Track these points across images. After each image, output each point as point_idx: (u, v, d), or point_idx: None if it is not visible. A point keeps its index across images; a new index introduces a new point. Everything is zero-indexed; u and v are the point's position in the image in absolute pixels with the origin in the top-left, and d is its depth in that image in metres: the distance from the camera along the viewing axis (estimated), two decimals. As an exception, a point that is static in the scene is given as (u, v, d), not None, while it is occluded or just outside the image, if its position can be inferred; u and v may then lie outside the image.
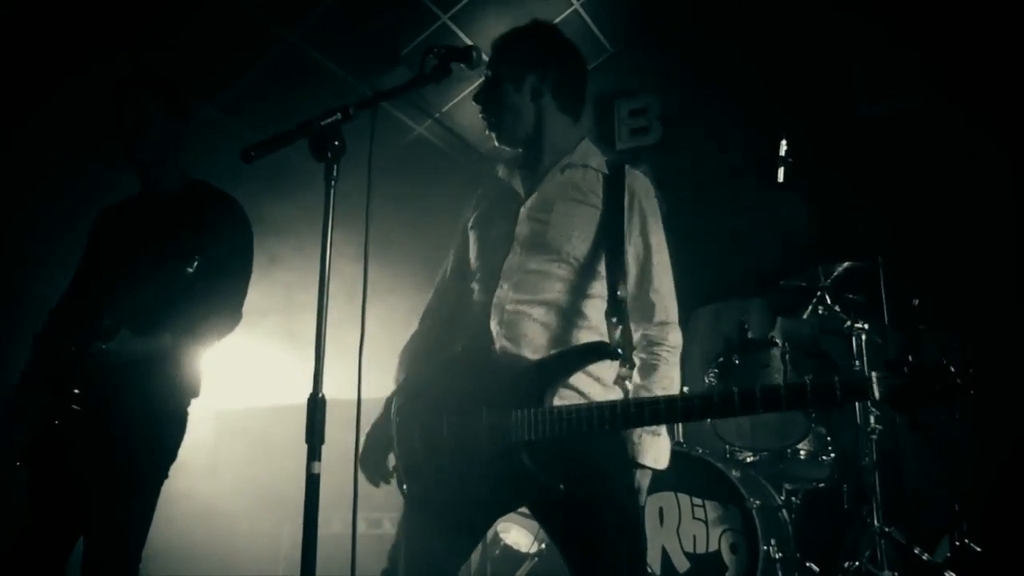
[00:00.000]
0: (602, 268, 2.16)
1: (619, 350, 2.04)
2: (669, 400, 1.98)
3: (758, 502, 3.49)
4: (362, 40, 4.93)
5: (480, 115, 2.32)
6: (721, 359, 4.02)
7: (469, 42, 5.00)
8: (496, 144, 2.35)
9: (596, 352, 2.07)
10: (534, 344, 2.11)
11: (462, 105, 5.68)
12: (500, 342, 2.13)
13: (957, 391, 1.70)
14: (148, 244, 2.78)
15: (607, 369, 2.13)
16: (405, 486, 2.14)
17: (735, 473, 3.59)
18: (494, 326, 2.15)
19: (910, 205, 4.48)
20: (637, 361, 2.21)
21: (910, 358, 1.74)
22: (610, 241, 2.17)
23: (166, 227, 2.81)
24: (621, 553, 2.01)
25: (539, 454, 1.96)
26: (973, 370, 1.68)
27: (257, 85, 4.94)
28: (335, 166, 1.73)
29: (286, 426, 4.79)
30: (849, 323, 3.85)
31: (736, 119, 5.32)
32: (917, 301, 3.47)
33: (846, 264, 4.05)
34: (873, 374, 1.75)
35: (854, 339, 3.83)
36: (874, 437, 3.67)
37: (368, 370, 1.79)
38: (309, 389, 1.66)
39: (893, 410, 1.77)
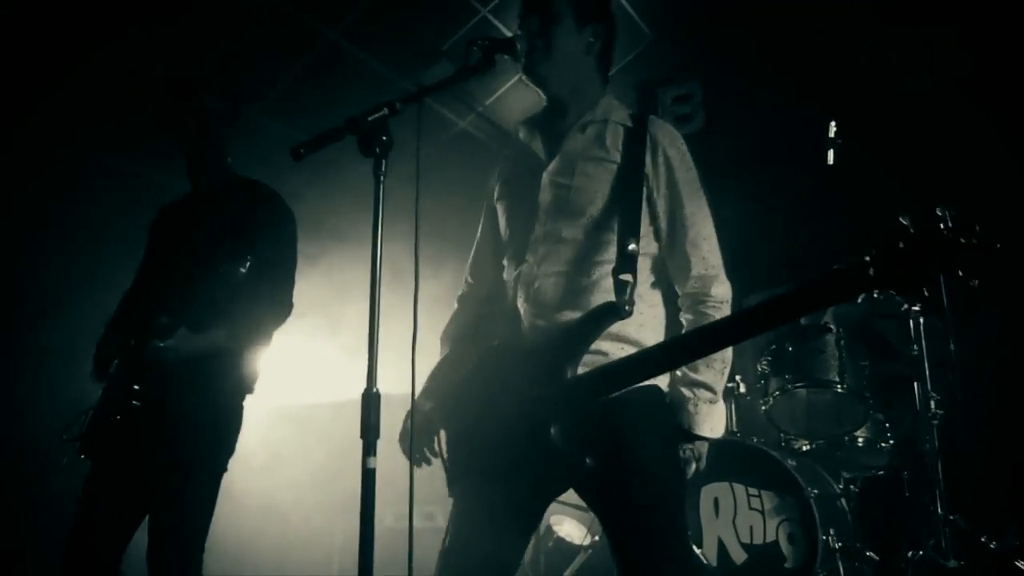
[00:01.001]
0: (614, 230, 2.07)
1: (626, 307, 1.97)
2: (683, 338, 1.95)
3: (816, 491, 3.44)
4: (403, 36, 4.93)
5: (523, 41, 2.14)
6: (774, 346, 3.96)
7: (510, 35, 4.98)
8: (524, 76, 2.22)
9: (604, 314, 2.00)
10: (560, 317, 2.06)
11: (505, 98, 5.65)
12: (528, 320, 2.10)
13: (966, 255, 1.52)
14: (200, 244, 2.84)
15: (634, 329, 2.06)
16: (453, 483, 2.12)
17: (791, 462, 3.54)
18: (521, 304, 2.12)
19: (966, 181, 4.35)
20: (684, 323, 2.14)
21: (909, 228, 1.56)
22: (625, 194, 2.09)
23: (216, 226, 2.86)
24: (659, 527, 1.96)
25: (568, 429, 1.91)
26: (980, 228, 1.50)
27: (299, 84, 4.97)
28: (383, 162, 1.73)
29: (336, 422, 4.86)
30: (906, 305, 3.76)
31: (782, 101, 5.22)
32: (976, 282, 3.36)
33: (900, 245, 3.94)
34: (867, 258, 1.59)
35: (911, 322, 3.74)
36: (935, 422, 3.58)
37: (420, 363, 1.79)
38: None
39: (898, 293, 1.62)
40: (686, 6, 5.51)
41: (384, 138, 1.74)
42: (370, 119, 1.73)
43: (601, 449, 1.92)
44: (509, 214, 2.28)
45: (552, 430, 1.91)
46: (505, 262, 2.26)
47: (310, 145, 1.70)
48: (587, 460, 1.89)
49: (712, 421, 2.09)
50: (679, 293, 2.16)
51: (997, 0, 4.50)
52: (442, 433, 2.18)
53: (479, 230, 2.44)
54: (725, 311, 2.11)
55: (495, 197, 2.36)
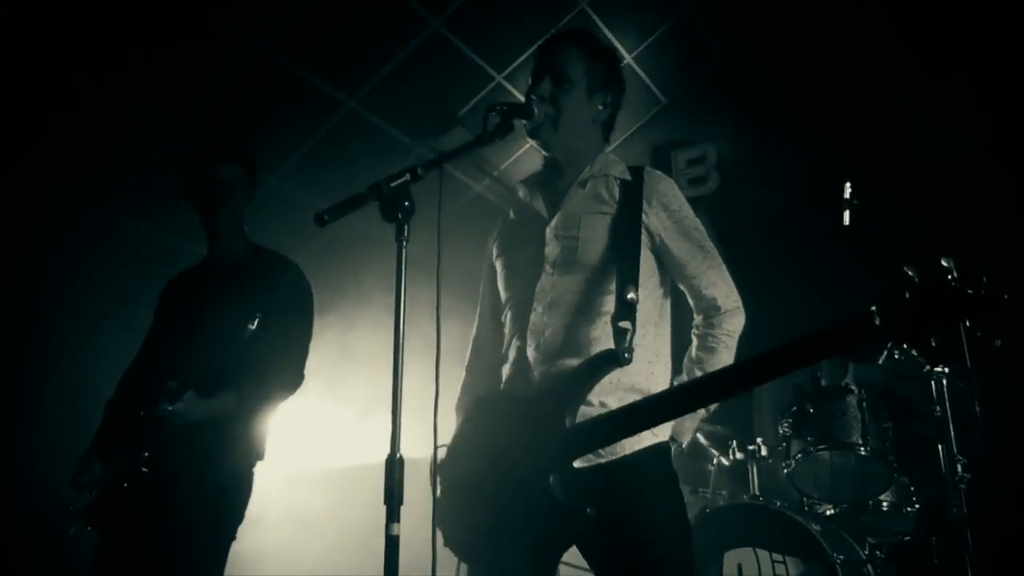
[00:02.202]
0: (614, 273, 2.10)
1: (626, 354, 1.97)
2: (681, 389, 1.97)
3: (841, 557, 3.36)
4: (419, 103, 5.03)
5: (534, 101, 2.18)
6: (795, 408, 3.90)
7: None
8: (528, 137, 2.24)
9: (603, 362, 2.00)
10: (562, 363, 2.07)
11: (519, 163, 5.73)
12: (538, 368, 2.10)
13: (972, 304, 1.49)
14: (211, 307, 2.86)
15: (644, 379, 2.08)
16: (455, 544, 2.07)
17: (815, 527, 3.47)
18: (531, 352, 2.12)
19: (985, 242, 4.34)
20: (695, 339, 2.21)
21: (913, 276, 1.54)
22: (624, 245, 2.13)
23: (229, 294, 2.88)
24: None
25: (566, 478, 1.90)
26: (987, 278, 1.48)
27: (317, 151, 5.05)
28: (406, 226, 1.75)
29: (345, 485, 4.81)
30: (928, 367, 3.71)
31: (795, 163, 5.26)
32: (999, 342, 3.32)
33: (906, 295, 3.90)
34: (872, 308, 1.58)
35: (934, 384, 3.69)
36: (962, 486, 3.50)
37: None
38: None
39: (903, 344, 1.58)
40: (699, 74, 5.61)
41: (407, 203, 1.76)
42: (393, 185, 1.75)
43: (603, 501, 1.88)
44: (510, 269, 2.30)
45: (551, 479, 1.89)
46: (508, 314, 2.26)
47: (334, 211, 1.71)
48: (587, 510, 1.85)
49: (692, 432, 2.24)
50: (698, 321, 2.22)
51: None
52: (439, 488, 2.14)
53: (480, 297, 2.46)
54: (733, 341, 2.18)
55: (494, 256, 2.39)
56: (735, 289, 2.22)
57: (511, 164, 5.77)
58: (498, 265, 2.35)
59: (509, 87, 5.12)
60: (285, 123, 4.84)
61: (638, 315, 2.06)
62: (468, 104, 5.16)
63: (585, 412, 1.99)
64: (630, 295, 2.04)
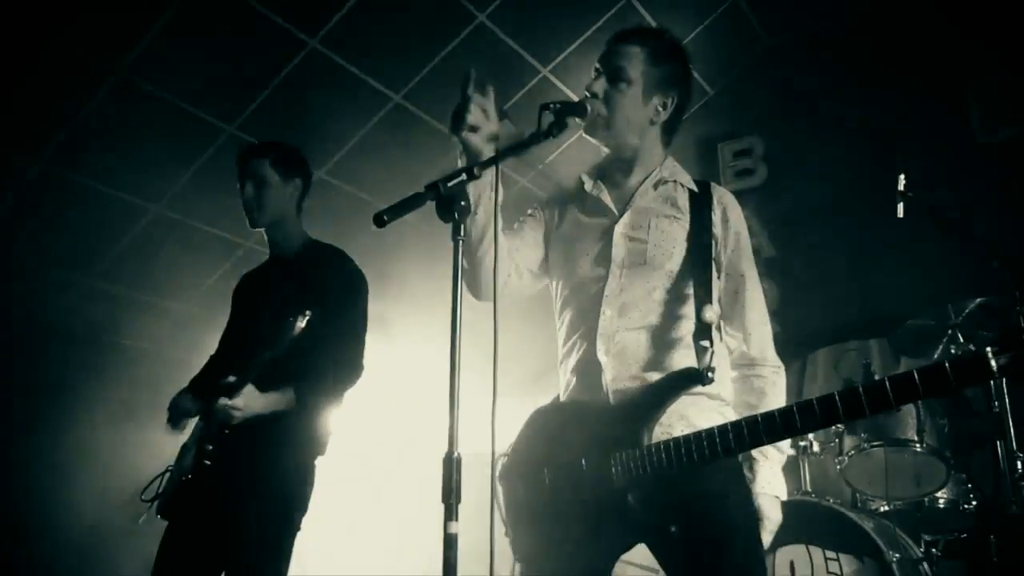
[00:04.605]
0: (690, 289, 2.11)
1: (709, 373, 1.97)
2: (773, 415, 1.89)
3: (897, 555, 3.31)
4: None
5: (588, 100, 2.16)
6: (847, 404, 3.84)
7: (571, 94, 5.04)
8: (584, 133, 2.22)
9: (686, 379, 1.99)
10: (646, 376, 2.06)
11: (564, 156, 5.70)
12: (612, 373, 2.08)
13: None
14: (269, 306, 2.91)
15: (715, 384, 2.05)
16: (515, 547, 2.08)
17: (869, 524, 3.42)
18: (601, 356, 2.10)
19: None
20: (736, 371, 2.19)
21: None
22: (698, 261, 2.13)
23: (285, 289, 2.93)
24: None
25: (646, 495, 1.89)
26: None
27: (363, 146, 5.07)
28: (462, 226, 1.75)
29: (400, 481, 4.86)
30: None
31: (844, 154, 5.16)
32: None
33: (979, 300, 3.83)
34: (988, 349, 1.65)
35: (992, 380, 3.60)
36: (1022, 484, 3.42)
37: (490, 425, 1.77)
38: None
39: (1017, 382, 1.67)
40: (745, 65, 5.53)
41: (463, 203, 1.75)
42: (450, 185, 1.74)
43: (683, 515, 1.88)
44: (573, 262, 2.25)
45: (630, 497, 1.89)
46: (568, 314, 2.24)
47: (393, 211, 1.71)
48: (672, 528, 1.85)
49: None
50: (736, 351, 2.21)
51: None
52: (500, 490, 2.15)
53: (516, 235, 2.31)
54: (782, 374, 2.19)
55: (553, 235, 2.33)
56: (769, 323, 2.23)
57: (557, 157, 5.74)
58: (558, 251, 2.30)
59: (554, 80, 5.09)
60: (331, 119, 4.87)
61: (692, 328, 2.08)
62: (513, 98, 5.14)
63: (663, 432, 1.99)
64: (707, 315, 2.05)
